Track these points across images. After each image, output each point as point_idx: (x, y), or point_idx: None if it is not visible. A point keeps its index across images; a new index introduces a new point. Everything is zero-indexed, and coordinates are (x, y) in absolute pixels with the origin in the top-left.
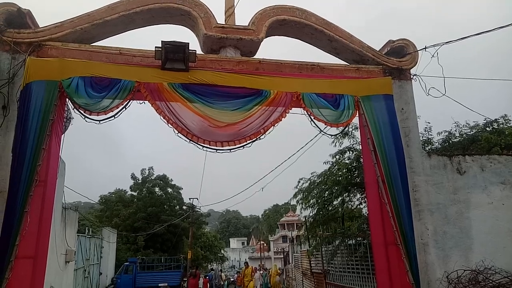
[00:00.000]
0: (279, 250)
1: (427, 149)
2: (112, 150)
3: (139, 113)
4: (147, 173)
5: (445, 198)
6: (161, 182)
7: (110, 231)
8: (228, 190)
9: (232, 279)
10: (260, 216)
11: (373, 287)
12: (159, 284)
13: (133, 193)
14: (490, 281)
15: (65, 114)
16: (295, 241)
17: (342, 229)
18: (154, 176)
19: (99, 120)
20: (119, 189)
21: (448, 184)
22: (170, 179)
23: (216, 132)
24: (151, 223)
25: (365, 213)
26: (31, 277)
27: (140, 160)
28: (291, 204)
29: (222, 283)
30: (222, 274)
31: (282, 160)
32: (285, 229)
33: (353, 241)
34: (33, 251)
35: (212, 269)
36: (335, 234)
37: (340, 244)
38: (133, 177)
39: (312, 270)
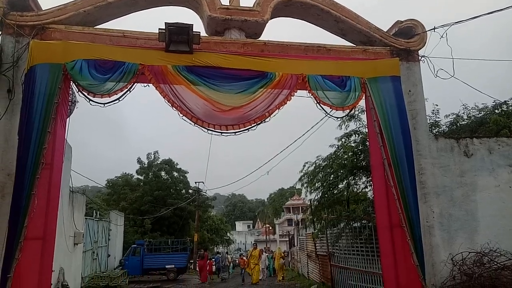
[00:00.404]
0: (285, 233)
1: (434, 132)
2: (116, 134)
3: (144, 96)
4: (152, 157)
5: (452, 180)
6: (167, 166)
7: (117, 214)
8: (233, 173)
9: (237, 262)
10: (266, 200)
11: (378, 268)
12: (166, 266)
13: (139, 177)
14: (495, 263)
15: (69, 98)
16: (300, 224)
17: (348, 212)
18: (160, 160)
19: (104, 103)
20: (125, 173)
21: (455, 167)
22: (175, 163)
23: (220, 116)
24: (157, 206)
25: (371, 196)
26: (40, 257)
27: (145, 144)
28: (296, 188)
29: (228, 264)
30: (229, 256)
31: (288, 143)
32: (290, 213)
33: (358, 224)
34: (41, 232)
35: (218, 253)
36: (340, 217)
37: (345, 226)
38: (139, 161)
39: (317, 253)
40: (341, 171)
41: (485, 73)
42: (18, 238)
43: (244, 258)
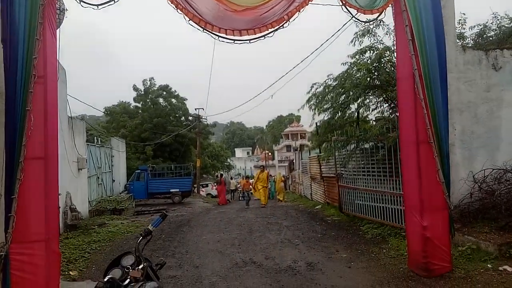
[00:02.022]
0: (283, 159)
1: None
2: (109, 64)
3: (135, 26)
4: (148, 84)
5: (477, 96)
6: (164, 92)
7: (118, 140)
8: (232, 102)
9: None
10: (264, 127)
11: (389, 188)
12: (171, 190)
13: (137, 104)
14: None
15: (57, 5)
16: (299, 150)
17: (361, 132)
18: (157, 86)
19: (97, 5)
20: (122, 101)
21: (481, 82)
22: (173, 90)
23: (233, 17)
24: (158, 133)
25: (387, 114)
26: (44, 178)
27: (139, 74)
28: (296, 115)
29: (233, 189)
30: (233, 181)
31: (287, 70)
32: (289, 139)
33: (370, 145)
34: (42, 151)
35: (221, 175)
36: (352, 138)
37: (356, 148)
38: (135, 88)
39: (323, 175)
40: (353, 90)
41: None
42: (17, 158)
43: (249, 180)
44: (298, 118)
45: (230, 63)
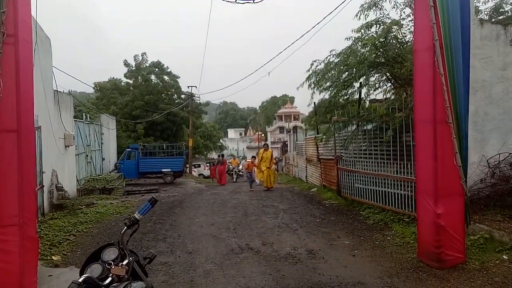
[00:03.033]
0: (276, 141)
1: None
2: (97, 37)
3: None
4: (140, 59)
5: (492, 75)
6: (156, 69)
7: (108, 117)
8: (227, 82)
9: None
10: (258, 108)
11: (392, 172)
12: (163, 170)
13: (128, 81)
14: None
15: None
16: (294, 131)
17: (366, 112)
18: (149, 63)
19: None
20: (113, 77)
21: (497, 59)
22: (166, 66)
23: None
24: (149, 111)
25: (389, 95)
26: (17, 154)
27: (129, 47)
28: (290, 96)
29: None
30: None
31: (289, 47)
32: (282, 120)
33: (373, 125)
34: (14, 123)
35: (222, 155)
36: (353, 118)
37: (358, 128)
38: (126, 63)
39: (320, 157)
40: (358, 67)
41: None
42: None
43: (254, 160)
44: (292, 99)
45: (228, 43)
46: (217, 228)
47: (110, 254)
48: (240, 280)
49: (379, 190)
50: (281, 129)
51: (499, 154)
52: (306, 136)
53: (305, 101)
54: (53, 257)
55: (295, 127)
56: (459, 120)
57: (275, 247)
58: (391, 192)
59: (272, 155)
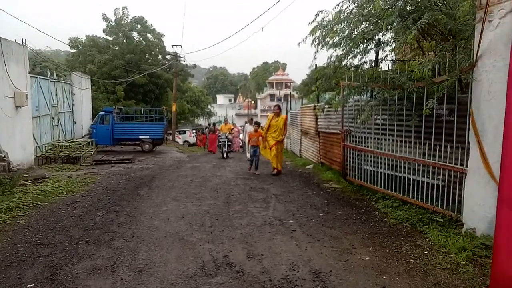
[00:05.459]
0: (266, 108)
1: None
2: None
3: None
4: (121, 14)
5: None
6: (139, 26)
7: (81, 76)
8: (215, 39)
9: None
10: (248, 74)
11: (419, 154)
12: (140, 137)
13: (107, 37)
14: None
15: None
16: (288, 99)
17: (392, 74)
18: (130, 18)
19: None
20: (92, 35)
21: None
22: (149, 24)
23: None
24: (130, 71)
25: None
26: None
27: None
28: (282, 62)
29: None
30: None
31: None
32: (273, 88)
33: (396, 94)
34: None
35: (214, 124)
36: (370, 83)
37: (373, 97)
38: (104, 18)
39: (319, 130)
40: (381, 15)
41: None
42: None
43: (258, 129)
44: (284, 66)
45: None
46: (187, 224)
47: None
48: None
49: (399, 177)
50: (272, 96)
51: None
52: (302, 104)
53: (298, 68)
54: None
55: (287, 95)
56: None
57: (265, 264)
58: (416, 180)
59: (286, 123)
